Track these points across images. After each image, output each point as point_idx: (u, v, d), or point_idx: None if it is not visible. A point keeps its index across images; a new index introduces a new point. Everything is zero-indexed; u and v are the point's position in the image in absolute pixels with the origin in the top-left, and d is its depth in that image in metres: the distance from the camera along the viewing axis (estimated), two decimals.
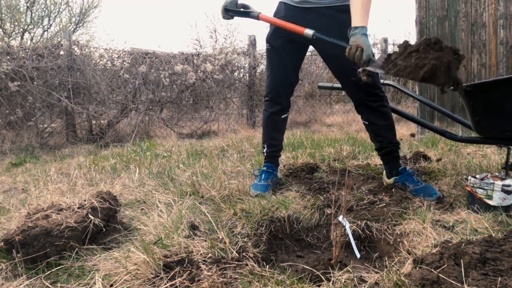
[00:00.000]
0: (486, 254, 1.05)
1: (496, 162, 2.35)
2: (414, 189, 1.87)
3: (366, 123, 2.01)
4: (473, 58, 4.38)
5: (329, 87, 2.39)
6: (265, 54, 7.74)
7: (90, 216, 1.42)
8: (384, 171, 2.10)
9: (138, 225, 1.53)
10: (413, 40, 4.48)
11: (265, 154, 2.17)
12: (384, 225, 1.51)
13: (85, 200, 1.55)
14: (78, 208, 1.48)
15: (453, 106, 4.53)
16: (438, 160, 2.52)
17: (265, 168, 2.13)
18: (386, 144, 1.99)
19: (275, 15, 2.00)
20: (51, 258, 1.19)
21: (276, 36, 2.00)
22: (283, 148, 2.27)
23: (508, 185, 1.48)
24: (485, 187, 1.52)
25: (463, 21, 4.43)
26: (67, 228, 1.30)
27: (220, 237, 1.36)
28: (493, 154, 2.65)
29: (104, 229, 1.49)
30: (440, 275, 0.97)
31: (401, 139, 3.97)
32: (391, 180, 2.03)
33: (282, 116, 2.12)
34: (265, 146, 2.16)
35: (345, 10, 1.75)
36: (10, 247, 1.21)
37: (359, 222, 1.54)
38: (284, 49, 2.00)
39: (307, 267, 1.10)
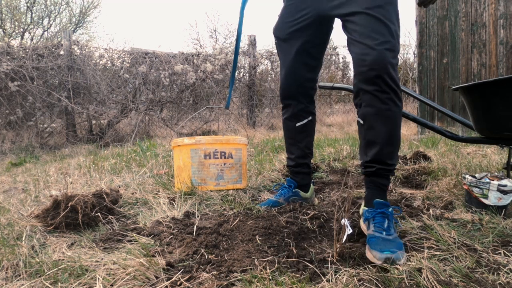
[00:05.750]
0: None
1: (496, 162, 2.36)
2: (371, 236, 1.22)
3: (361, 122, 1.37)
4: (473, 58, 4.38)
5: (330, 87, 2.26)
6: (265, 54, 7.70)
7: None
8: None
9: (138, 225, 1.53)
10: (413, 40, 4.45)
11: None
12: None
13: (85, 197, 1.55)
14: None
15: (453, 106, 4.52)
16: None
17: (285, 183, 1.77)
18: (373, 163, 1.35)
19: None
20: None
21: (282, 25, 1.59)
22: (308, 165, 1.74)
23: (504, 185, 1.48)
24: (481, 186, 1.52)
25: (463, 21, 4.43)
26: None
27: None
28: (493, 154, 2.65)
29: (104, 226, 1.49)
30: None
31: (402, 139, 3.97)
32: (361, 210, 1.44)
33: (297, 124, 1.66)
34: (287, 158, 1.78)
35: None
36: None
37: (358, 222, 1.53)
38: (292, 37, 1.56)
39: (308, 266, 1.10)
